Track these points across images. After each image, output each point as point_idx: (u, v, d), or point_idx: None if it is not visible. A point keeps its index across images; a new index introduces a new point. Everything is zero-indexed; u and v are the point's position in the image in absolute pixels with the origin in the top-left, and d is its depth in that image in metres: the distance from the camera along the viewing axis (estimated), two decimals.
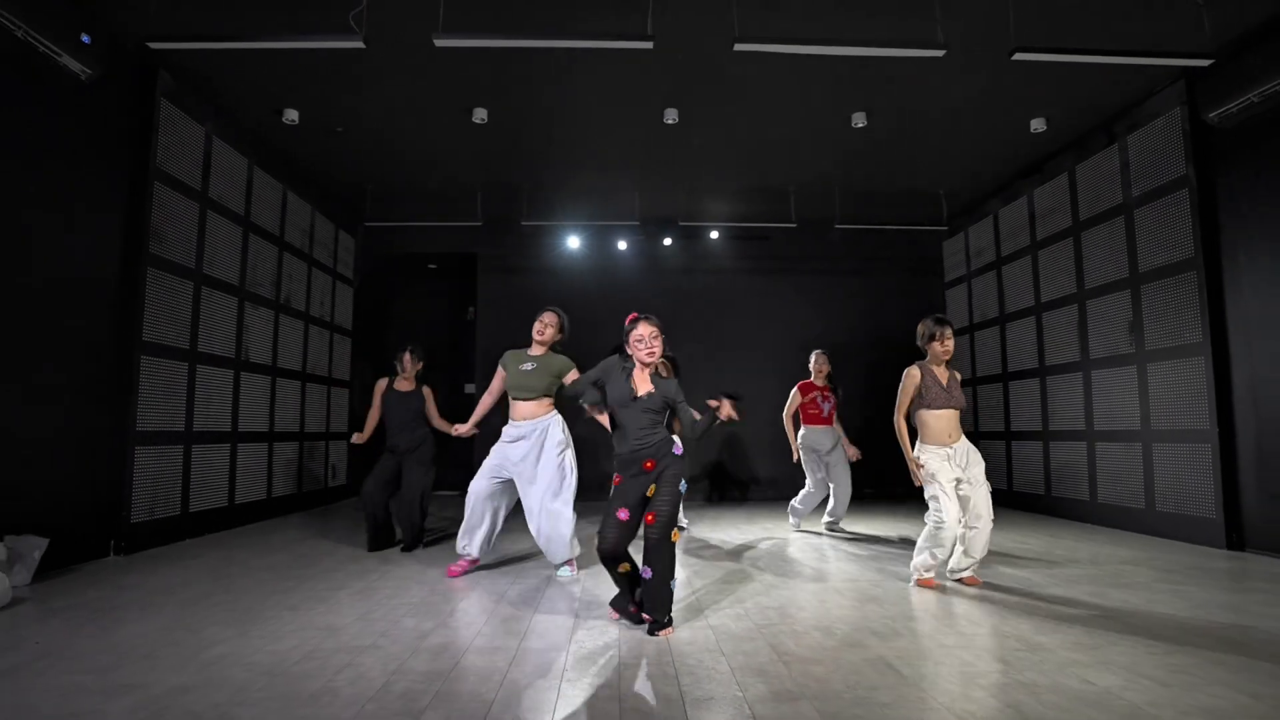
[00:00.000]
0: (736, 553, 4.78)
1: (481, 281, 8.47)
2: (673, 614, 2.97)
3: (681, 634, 2.88)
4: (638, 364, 3.02)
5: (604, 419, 3.27)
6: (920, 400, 3.77)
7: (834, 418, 5.71)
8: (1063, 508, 6.44)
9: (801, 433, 5.70)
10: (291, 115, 5.63)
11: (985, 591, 3.60)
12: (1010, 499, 7.13)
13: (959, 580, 3.76)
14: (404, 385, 5.00)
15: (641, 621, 2.95)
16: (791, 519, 5.88)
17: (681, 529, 5.67)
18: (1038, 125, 5.89)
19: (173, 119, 5.04)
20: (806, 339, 7.50)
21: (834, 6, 4.35)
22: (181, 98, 5.12)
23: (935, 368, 3.82)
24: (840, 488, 5.63)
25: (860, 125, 5.78)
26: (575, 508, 3.92)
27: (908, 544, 4.97)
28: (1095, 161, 6.04)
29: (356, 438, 4.92)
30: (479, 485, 3.94)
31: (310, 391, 7.21)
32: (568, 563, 3.97)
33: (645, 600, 2.89)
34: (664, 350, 3.08)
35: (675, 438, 3.05)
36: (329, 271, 7.73)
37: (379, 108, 5.65)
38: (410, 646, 2.70)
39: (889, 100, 5.53)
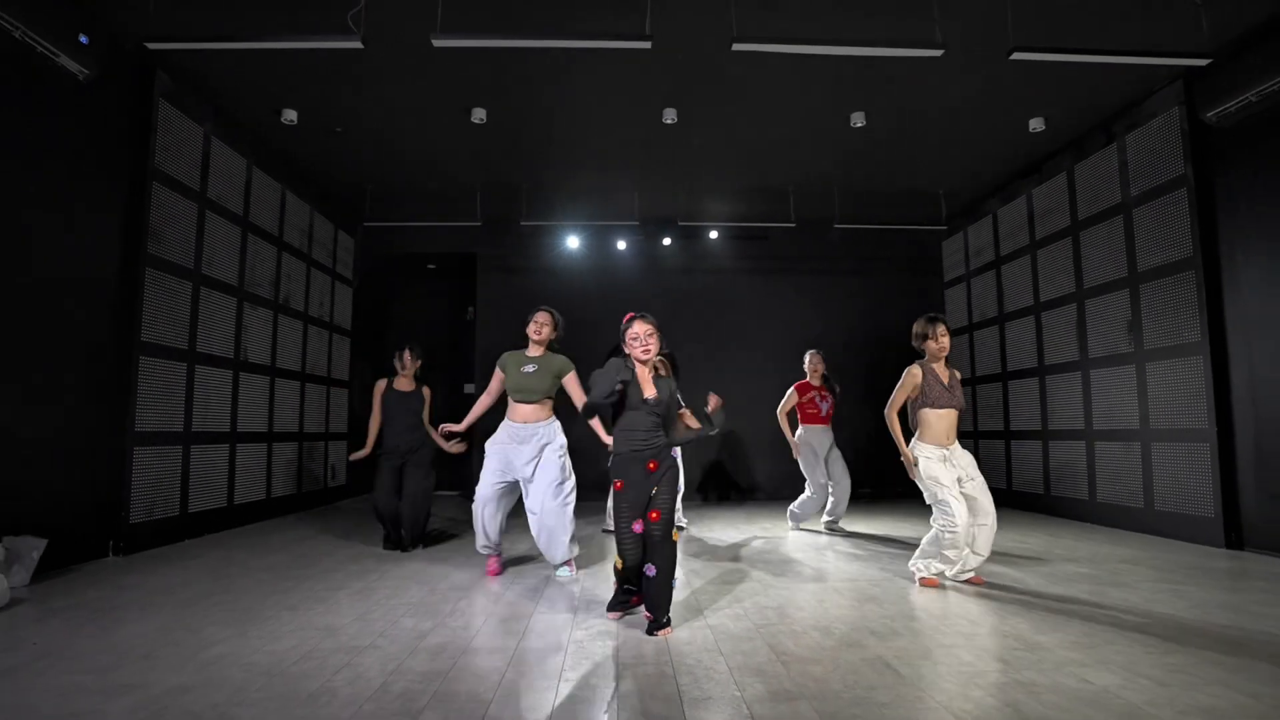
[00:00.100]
0: (735, 552, 4.78)
1: (481, 281, 8.46)
2: (671, 614, 2.97)
3: (680, 634, 2.88)
4: (637, 364, 3.03)
5: (599, 427, 3.24)
6: (923, 399, 3.77)
7: (831, 417, 5.72)
8: (1062, 507, 6.44)
9: (799, 432, 5.71)
10: (290, 115, 5.63)
11: (984, 591, 3.60)
12: (1009, 498, 7.13)
13: (966, 581, 3.75)
14: (404, 385, 4.99)
15: (635, 611, 2.94)
16: (790, 523, 5.88)
17: (680, 529, 5.67)
18: (1036, 125, 5.89)
19: (171, 119, 5.03)
20: (806, 339, 7.49)
21: (832, 6, 4.35)
22: (180, 98, 5.12)
23: (936, 367, 3.82)
24: (839, 487, 5.63)
25: (859, 125, 5.78)
26: (575, 509, 3.92)
27: (907, 544, 4.98)
28: (1094, 161, 6.04)
29: (358, 455, 4.90)
30: (485, 492, 3.91)
31: (309, 392, 7.21)
32: (567, 563, 3.97)
33: (648, 598, 2.90)
34: (661, 348, 3.09)
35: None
36: (328, 272, 7.73)
37: (378, 108, 5.65)
38: (409, 646, 2.71)
39: (888, 100, 5.53)
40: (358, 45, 3.98)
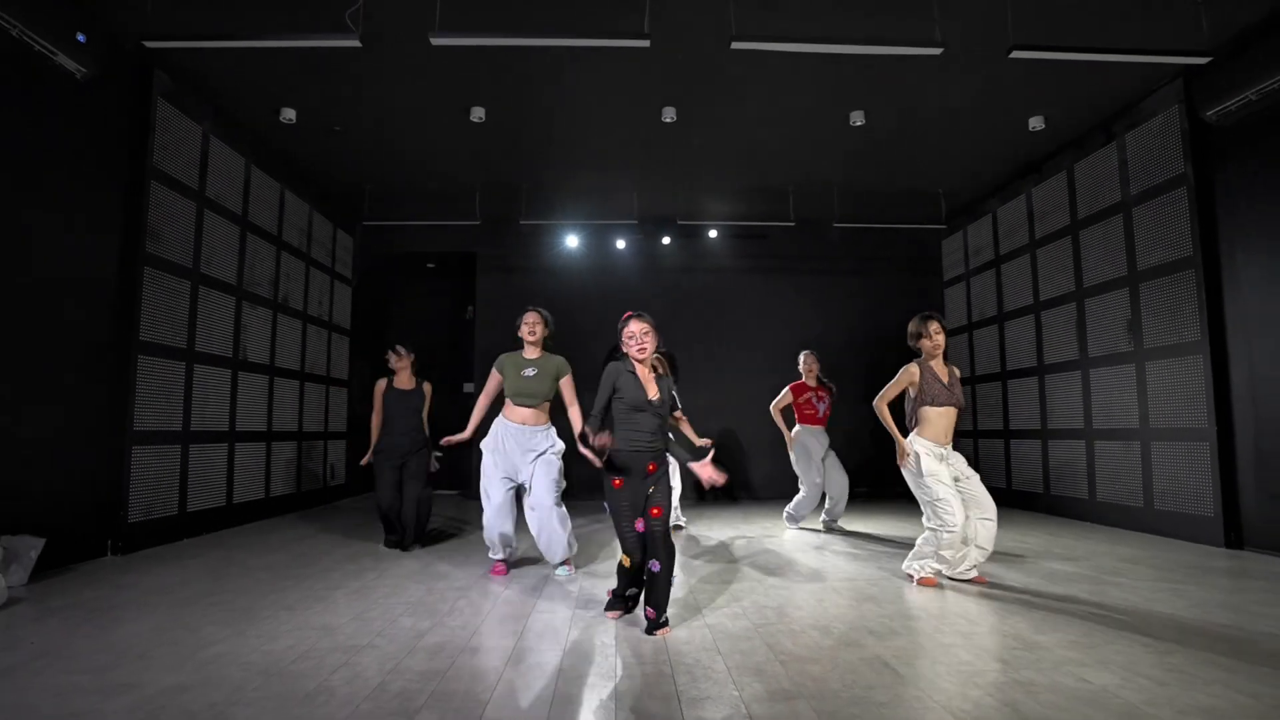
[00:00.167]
0: (734, 552, 4.77)
1: (480, 280, 8.46)
2: (669, 613, 2.97)
3: (679, 633, 2.88)
4: (637, 364, 3.03)
5: (590, 454, 3.22)
6: (922, 397, 3.77)
7: (828, 419, 5.71)
8: (1061, 506, 6.44)
9: (796, 431, 5.69)
10: (289, 114, 5.63)
11: (983, 590, 3.59)
12: (1009, 497, 7.13)
13: (969, 580, 3.73)
14: (404, 383, 4.98)
15: (633, 611, 2.95)
16: (787, 524, 5.88)
17: (679, 528, 5.67)
18: (1036, 124, 5.89)
19: (170, 118, 5.03)
20: (805, 338, 7.49)
21: (832, 5, 4.35)
22: (178, 97, 5.11)
23: (935, 365, 3.82)
24: (837, 487, 5.63)
25: (859, 124, 5.77)
26: (570, 508, 3.94)
27: (905, 544, 4.97)
28: (1093, 160, 6.04)
29: (367, 460, 4.89)
30: (498, 500, 3.86)
31: (308, 391, 7.20)
32: (565, 562, 3.98)
33: (650, 594, 2.91)
34: (659, 347, 3.09)
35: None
36: (327, 271, 7.72)
37: (377, 107, 5.64)
38: (407, 646, 2.70)
39: (887, 99, 5.52)
40: (356, 44, 3.98)
